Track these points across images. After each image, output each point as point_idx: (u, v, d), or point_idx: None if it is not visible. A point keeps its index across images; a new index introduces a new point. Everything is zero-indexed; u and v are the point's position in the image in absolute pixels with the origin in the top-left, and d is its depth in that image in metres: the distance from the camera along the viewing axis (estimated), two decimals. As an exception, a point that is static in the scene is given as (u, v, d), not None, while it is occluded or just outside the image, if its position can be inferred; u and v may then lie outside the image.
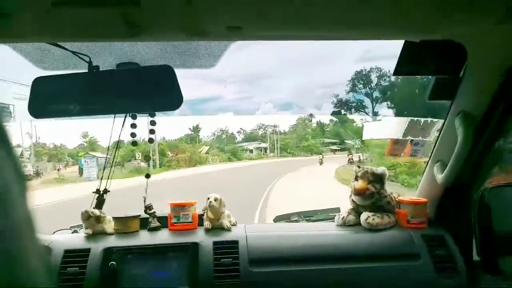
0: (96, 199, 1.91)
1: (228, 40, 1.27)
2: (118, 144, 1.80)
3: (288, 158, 54.51)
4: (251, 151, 60.60)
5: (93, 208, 1.96)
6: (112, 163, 1.93)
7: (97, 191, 1.89)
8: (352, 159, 31.38)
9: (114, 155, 1.93)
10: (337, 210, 2.22)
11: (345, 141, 51.75)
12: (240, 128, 71.81)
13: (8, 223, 0.30)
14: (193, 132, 62.44)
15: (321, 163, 35.92)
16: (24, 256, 0.32)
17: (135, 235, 1.98)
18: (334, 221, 2.09)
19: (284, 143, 64.78)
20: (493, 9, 1.06)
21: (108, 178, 1.94)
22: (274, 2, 1.02)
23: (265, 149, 63.80)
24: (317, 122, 68.60)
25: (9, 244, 0.30)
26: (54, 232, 2.08)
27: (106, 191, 1.91)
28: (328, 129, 66.56)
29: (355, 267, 1.80)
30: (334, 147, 61.24)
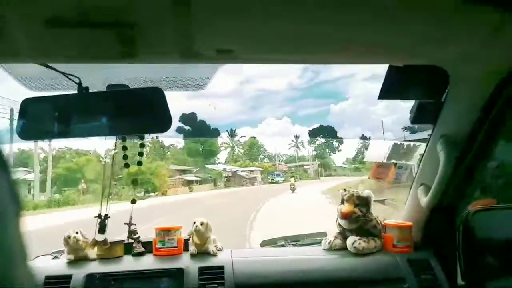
0: (99, 224, 1.86)
1: (219, 62, 1.30)
2: (113, 164, 1.78)
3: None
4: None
5: (97, 232, 1.91)
6: (109, 186, 1.91)
7: (99, 216, 1.85)
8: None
9: (110, 178, 1.91)
10: (324, 234, 2.22)
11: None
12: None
13: (2, 249, 0.30)
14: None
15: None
16: (15, 281, 0.31)
17: (119, 261, 1.93)
18: (321, 245, 2.09)
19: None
20: (474, 35, 1.12)
21: (107, 202, 1.90)
22: (265, 26, 1.05)
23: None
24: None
25: (1, 271, 0.30)
26: (34, 258, 2.01)
27: (107, 216, 1.87)
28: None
29: None
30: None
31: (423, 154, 1.86)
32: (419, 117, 1.67)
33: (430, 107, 1.61)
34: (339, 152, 74.38)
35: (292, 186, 29.74)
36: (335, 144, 74.35)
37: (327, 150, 73.94)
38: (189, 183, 40.23)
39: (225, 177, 46.07)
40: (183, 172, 43.25)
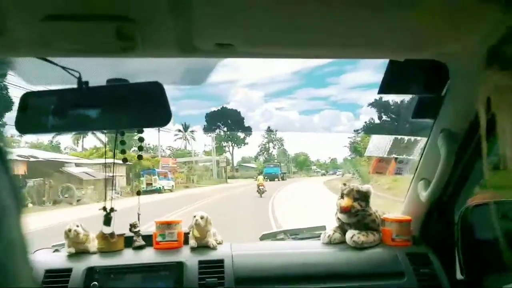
0: (104, 216, 1.87)
1: (219, 57, 1.30)
2: (114, 161, 1.78)
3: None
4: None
5: (103, 225, 1.90)
6: (113, 181, 1.91)
7: (104, 208, 1.85)
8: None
9: (113, 172, 1.90)
10: (323, 228, 2.22)
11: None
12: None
13: (2, 245, 0.30)
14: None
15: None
16: (16, 275, 0.32)
17: (119, 254, 1.94)
18: (320, 239, 2.09)
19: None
20: (475, 30, 1.11)
21: (111, 196, 1.90)
22: (265, 20, 1.05)
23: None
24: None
25: (1, 266, 0.30)
26: (34, 251, 2.02)
27: (112, 209, 1.87)
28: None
29: (341, 286, 1.80)
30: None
31: (423, 148, 1.86)
32: (419, 111, 1.67)
33: (430, 102, 1.61)
34: (245, 145, 63.60)
35: (262, 188, 21.60)
36: (240, 135, 60.72)
37: (229, 142, 60.52)
38: None
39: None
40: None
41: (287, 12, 1.01)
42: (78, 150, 44.37)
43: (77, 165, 27.04)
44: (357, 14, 1.02)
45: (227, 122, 60.80)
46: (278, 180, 42.20)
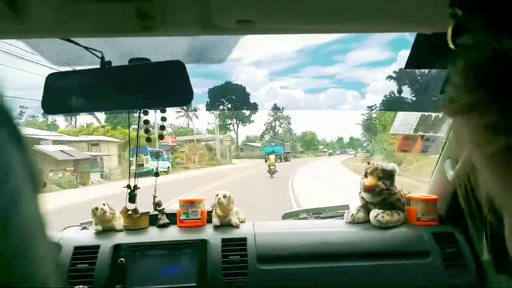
0: (128, 193, 1.91)
1: (240, 34, 1.27)
2: (138, 139, 1.80)
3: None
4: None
5: (128, 202, 1.95)
6: (136, 159, 1.93)
7: (128, 186, 1.88)
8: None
9: (137, 151, 1.92)
10: (346, 207, 2.21)
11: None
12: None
13: (20, 226, 0.30)
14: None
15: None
16: (35, 256, 0.32)
17: (144, 232, 1.98)
18: (343, 219, 2.08)
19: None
20: None
21: (136, 174, 1.93)
22: None
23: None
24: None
25: (21, 245, 0.30)
26: (64, 229, 2.09)
27: (136, 187, 1.90)
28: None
29: (364, 265, 1.79)
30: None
31: (451, 126, 1.80)
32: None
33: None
34: (250, 123, 57.76)
35: (273, 168, 20.29)
36: (246, 113, 56.16)
37: (234, 120, 55.98)
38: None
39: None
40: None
41: None
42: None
43: (56, 142, 23.21)
44: None
45: (231, 99, 54.78)
46: (281, 160, 35.99)
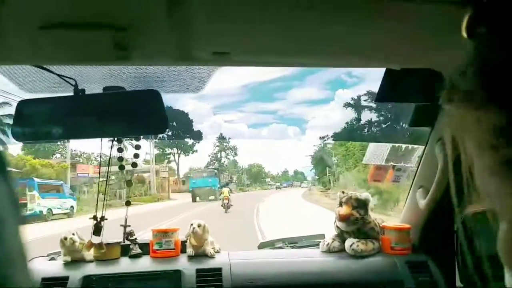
0: (94, 225, 1.84)
1: (215, 65, 1.30)
2: (108, 169, 1.76)
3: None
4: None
5: (92, 234, 1.88)
6: (106, 188, 1.89)
7: (94, 217, 1.83)
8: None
9: (107, 179, 1.89)
10: (322, 236, 2.21)
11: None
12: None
13: (2, 254, 0.30)
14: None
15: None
16: (17, 285, 0.31)
17: (115, 263, 1.92)
18: (319, 248, 2.08)
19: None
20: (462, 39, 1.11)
21: (103, 204, 1.87)
22: (261, 29, 1.05)
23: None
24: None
25: (3, 274, 0.29)
26: (30, 259, 2.00)
27: (103, 218, 1.84)
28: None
29: None
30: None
31: (421, 156, 1.85)
32: (416, 120, 1.67)
33: (428, 110, 1.60)
34: (193, 153, 51.80)
35: (226, 203, 18.21)
36: (188, 142, 49.77)
37: (175, 149, 49.80)
38: None
39: None
40: None
41: (283, 21, 1.01)
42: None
43: None
44: (353, 23, 1.01)
45: (172, 125, 46.26)
46: (215, 198, 27.09)
